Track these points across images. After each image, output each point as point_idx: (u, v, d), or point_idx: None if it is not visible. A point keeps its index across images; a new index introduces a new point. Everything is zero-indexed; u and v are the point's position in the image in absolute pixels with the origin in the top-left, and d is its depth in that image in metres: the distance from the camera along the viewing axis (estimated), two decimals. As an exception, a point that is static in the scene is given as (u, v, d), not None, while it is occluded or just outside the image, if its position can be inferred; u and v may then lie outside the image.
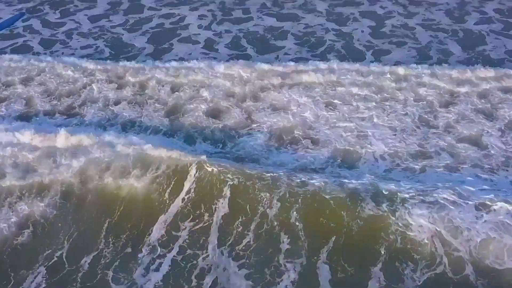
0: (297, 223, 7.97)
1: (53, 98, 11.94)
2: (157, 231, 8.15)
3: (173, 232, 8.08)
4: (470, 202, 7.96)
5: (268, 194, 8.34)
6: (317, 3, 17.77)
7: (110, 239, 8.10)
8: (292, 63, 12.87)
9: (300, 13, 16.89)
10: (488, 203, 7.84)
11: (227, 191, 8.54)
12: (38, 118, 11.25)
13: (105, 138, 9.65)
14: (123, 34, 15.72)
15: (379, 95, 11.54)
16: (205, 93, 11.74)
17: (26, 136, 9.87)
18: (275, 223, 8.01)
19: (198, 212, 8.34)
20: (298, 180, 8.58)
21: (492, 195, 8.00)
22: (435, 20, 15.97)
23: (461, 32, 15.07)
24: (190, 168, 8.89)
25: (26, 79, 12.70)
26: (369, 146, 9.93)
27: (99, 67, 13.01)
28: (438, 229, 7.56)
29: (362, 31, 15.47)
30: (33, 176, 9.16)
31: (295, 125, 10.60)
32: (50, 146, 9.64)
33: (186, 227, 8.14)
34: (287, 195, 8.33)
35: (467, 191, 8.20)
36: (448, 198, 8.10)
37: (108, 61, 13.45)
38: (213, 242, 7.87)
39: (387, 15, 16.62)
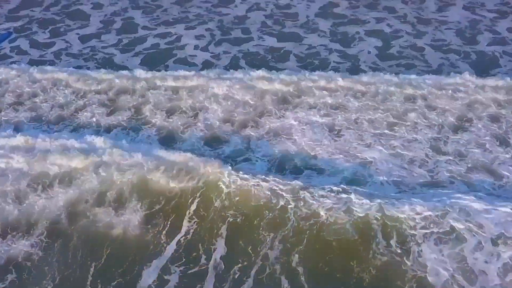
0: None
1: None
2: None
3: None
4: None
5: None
6: (319, 21, 17.54)
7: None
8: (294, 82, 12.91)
9: (302, 33, 16.64)
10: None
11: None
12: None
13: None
14: (115, 55, 15.45)
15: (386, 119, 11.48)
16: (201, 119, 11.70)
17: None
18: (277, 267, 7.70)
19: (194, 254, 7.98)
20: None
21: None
22: (446, 40, 15.71)
23: (473, 54, 14.81)
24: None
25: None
26: (375, 172, 9.74)
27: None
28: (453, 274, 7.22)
29: (369, 52, 15.22)
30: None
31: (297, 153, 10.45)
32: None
33: (177, 271, 7.89)
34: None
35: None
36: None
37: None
38: None
39: (394, 34, 16.36)
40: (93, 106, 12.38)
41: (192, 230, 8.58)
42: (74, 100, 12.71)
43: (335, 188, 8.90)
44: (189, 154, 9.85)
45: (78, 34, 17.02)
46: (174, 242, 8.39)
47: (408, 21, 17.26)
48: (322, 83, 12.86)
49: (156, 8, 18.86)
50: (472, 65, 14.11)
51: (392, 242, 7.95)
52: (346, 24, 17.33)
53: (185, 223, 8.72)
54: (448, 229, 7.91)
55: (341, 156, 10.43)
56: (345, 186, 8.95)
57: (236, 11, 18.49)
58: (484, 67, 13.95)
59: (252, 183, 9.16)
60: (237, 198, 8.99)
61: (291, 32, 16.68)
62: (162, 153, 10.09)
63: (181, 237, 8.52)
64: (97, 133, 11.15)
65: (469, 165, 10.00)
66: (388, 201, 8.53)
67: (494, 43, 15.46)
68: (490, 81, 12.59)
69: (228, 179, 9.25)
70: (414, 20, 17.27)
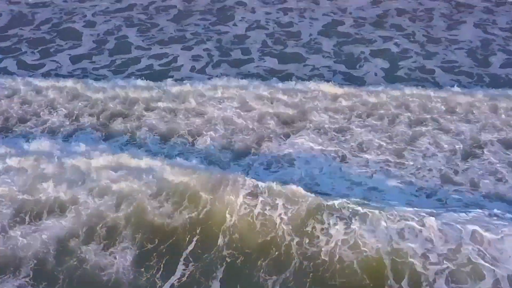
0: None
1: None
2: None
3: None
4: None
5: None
6: (323, 40, 17.26)
7: None
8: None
9: (304, 53, 16.36)
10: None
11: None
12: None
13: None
14: (107, 77, 15.13)
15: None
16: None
17: None
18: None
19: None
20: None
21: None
22: (457, 61, 15.43)
23: (486, 77, 14.54)
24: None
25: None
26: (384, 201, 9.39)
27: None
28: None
29: (375, 74, 14.95)
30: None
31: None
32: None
33: None
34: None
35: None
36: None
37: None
38: None
39: (402, 54, 16.06)
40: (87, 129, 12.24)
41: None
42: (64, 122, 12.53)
43: (338, 220, 8.61)
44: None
45: (69, 54, 16.73)
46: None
47: (417, 40, 16.98)
48: (325, 103, 12.70)
49: (151, 26, 18.61)
50: (485, 88, 13.65)
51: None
52: (351, 43, 17.04)
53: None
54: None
55: (345, 183, 10.25)
56: (351, 216, 8.65)
57: (235, 29, 18.26)
58: (497, 89, 13.36)
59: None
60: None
61: (294, 53, 16.40)
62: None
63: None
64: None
65: (482, 194, 9.79)
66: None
67: (508, 65, 15.18)
68: (503, 104, 12.36)
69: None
70: (423, 39, 16.99)
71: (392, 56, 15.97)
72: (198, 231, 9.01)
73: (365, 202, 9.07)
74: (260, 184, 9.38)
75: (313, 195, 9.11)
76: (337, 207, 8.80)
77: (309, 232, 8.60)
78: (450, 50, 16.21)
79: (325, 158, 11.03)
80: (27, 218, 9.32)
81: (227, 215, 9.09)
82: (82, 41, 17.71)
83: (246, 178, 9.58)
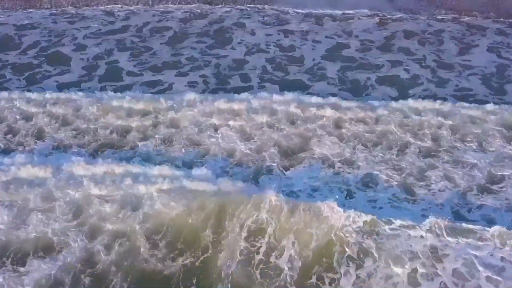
0: None
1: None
2: None
3: None
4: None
5: None
6: (327, 66, 16.80)
7: None
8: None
9: (307, 80, 15.87)
10: None
11: None
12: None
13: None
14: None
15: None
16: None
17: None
18: None
19: None
20: None
21: None
22: (471, 89, 14.96)
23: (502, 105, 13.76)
24: None
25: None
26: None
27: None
28: None
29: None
30: None
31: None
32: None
33: None
34: None
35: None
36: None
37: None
38: None
39: (411, 81, 15.56)
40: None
41: None
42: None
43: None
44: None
45: (57, 81, 16.17)
46: None
47: (428, 65, 16.53)
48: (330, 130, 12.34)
49: (144, 50, 18.15)
50: (500, 118, 13.02)
51: None
52: (357, 68, 16.60)
53: None
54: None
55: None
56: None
57: (234, 53, 17.78)
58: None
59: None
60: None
61: (295, 80, 15.91)
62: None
63: None
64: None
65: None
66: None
67: (524, 94, 14.75)
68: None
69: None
70: (434, 65, 16.55)
71: (401, 83, 15.50)
72: None
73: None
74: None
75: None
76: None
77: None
78: (463, 76, 15.75)
79: (329, 191, 10.55)
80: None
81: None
82: (71, 66, 17.19)
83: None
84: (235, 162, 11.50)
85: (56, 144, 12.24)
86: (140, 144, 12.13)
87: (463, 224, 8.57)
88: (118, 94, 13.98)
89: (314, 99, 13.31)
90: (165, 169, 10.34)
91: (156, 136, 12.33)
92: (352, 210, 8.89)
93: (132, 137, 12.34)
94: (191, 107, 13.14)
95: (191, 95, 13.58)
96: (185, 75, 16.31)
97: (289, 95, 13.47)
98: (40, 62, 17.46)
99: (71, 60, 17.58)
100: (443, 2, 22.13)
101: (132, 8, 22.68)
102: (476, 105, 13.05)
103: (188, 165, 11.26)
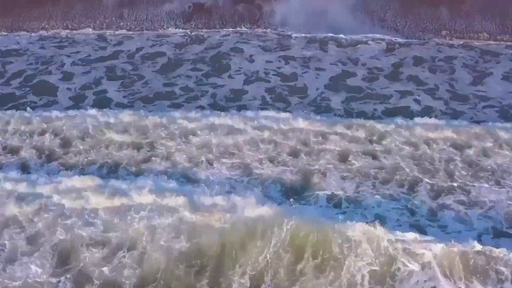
0: None
1: None
2: None
3: None
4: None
5: None
6: (331, 96, 16.18)
7: None
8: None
9: (310, 112, 14.94)
10: None
11: None
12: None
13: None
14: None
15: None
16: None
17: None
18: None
19: None
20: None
21: None
22: (486, 123, 13.92)
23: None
24: None
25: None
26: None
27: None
28: None
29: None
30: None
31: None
32: None
33: None
34: None
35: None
36: None
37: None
38: None
39: (423, 114, 14.65)
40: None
41: None
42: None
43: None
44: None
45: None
46: None
47: (441, 96, 15.83)
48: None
49: (135, 79, 17.48)
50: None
51: None
52: (361, 99, 15.88)
53: None
54: None
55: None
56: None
57: (231, 83, 17.10)
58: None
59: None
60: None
61: (298, 112, 14.95)
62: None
63: None
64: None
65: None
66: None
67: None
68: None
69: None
70: (447, 95, 15.86)
71: (411, 115, 14.66)
72: None
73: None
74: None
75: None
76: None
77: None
78: (478, 109, 15.11)
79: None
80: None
81: None
82: (58, 97, 16.56)
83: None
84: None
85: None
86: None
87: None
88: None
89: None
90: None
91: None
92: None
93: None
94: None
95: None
96: (179, 106, 15.60)
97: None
98: (24, 93, 16.82)
99: (58, 90, 16.95)
100: (452, 25, 21.46)
101: (124, 32, 22.07)
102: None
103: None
